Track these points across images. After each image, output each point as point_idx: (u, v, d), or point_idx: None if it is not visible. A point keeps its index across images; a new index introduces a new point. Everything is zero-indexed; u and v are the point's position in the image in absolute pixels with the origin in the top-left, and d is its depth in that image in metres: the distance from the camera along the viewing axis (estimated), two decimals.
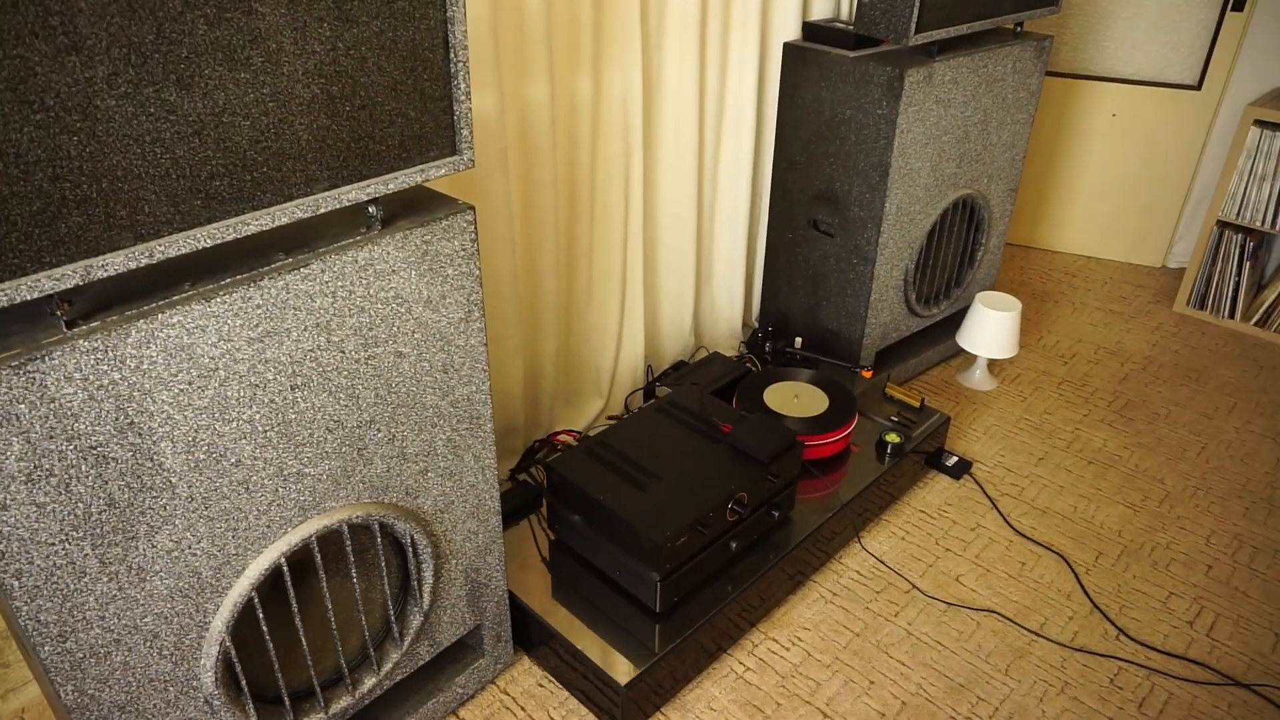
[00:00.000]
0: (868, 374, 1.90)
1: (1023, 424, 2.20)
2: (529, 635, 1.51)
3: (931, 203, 2.06)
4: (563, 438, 1.85)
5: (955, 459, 2.03)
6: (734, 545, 1.50)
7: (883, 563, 1.77)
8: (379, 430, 1.11)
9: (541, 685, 1.51)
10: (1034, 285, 2.87)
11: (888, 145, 1.88)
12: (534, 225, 1.76)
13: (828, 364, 2.03)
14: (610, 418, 2.05)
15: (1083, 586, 1.73)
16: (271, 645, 1.10)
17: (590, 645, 1.41)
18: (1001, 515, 1.90)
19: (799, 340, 2.08)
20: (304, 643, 1.14)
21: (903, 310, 2.17)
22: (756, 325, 2.42)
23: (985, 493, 1.97)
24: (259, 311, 0.93)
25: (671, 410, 1.66)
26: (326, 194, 0.94)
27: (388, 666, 1.26)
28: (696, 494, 1.45)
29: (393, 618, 1.24)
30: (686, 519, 1.40)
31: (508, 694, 1.50)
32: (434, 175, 1.03)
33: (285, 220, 0.91)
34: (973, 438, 2.15)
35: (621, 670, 1.37)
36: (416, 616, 1.27)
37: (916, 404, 1.96)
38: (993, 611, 1.67)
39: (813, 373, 1.91)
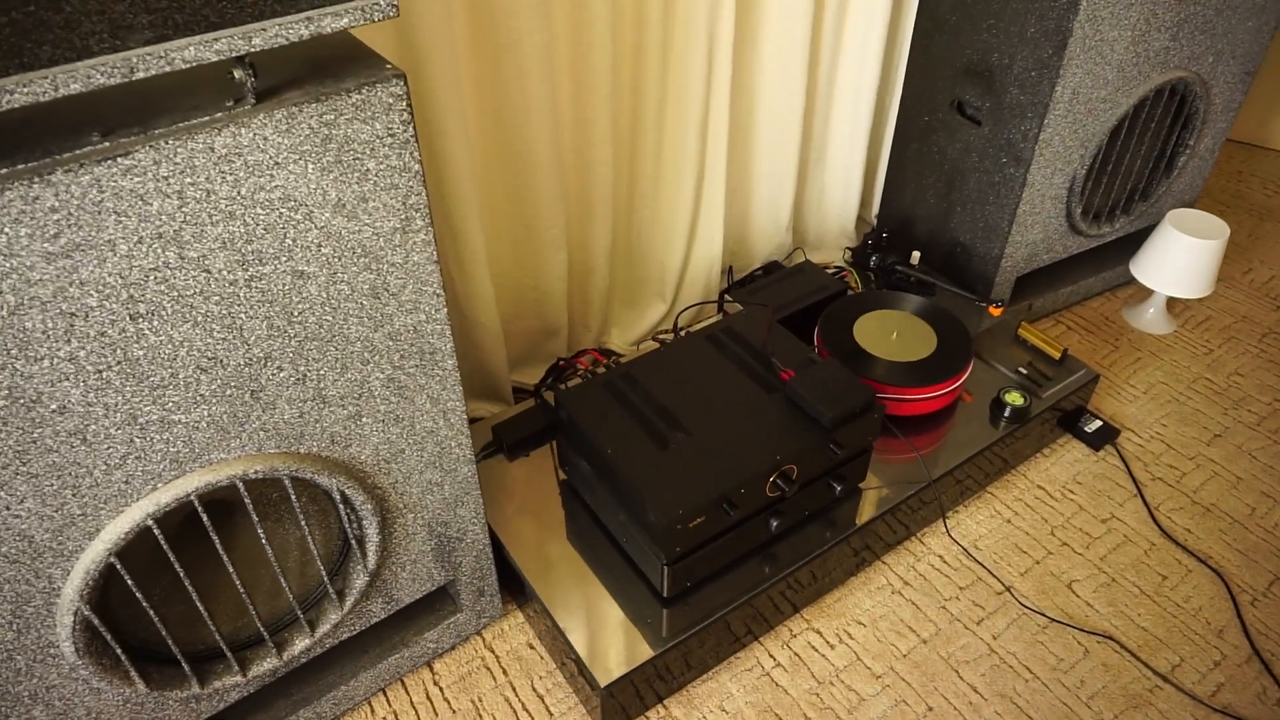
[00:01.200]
0: (996, 310, 1.48)
1: (1200, 386, 1.72)
2: (523, 590, 1.29)
3: (1124, 88, 1.53)
4: (587, 360, 1.55)
5: (1098, 423, 1.60)
6: (774, 524, 1.20)
7: (973, 552, 1.42)
8: (281, 369, 0.85)
9: (531, 647, 1.30)
10: (1252, 199, 2.25)
11: (1072, 5, 1.37)
12: (584, 85, 1.40)
13: (947, 291, 1.61)
14: (661, 337, 1.73)
15: (1242, 622, 1.33)
16: (154, 607, 0.90)
17: (577, 625, 1.17)
18: (1147, 507, 1.49)
19: (916, 255, 1.66)
20: (200, 601, 0.95)
21: (1061, 227, 1.68)
22: (875, 223, 1.99)
23: (1130, 473, 1.55)
24: (57, 217, 0.67)
25: (724, 340, 1.33)
26: (148, 49, 0.64)
27: (325, 628, 1.07)
28: (730, 460, 1.14)
29: (326, 579, 1.03)
30: (709, 494, 1.10)
31: (492, 651, 1.30)
32: (335, 25, 0.71)
33: (75, 88, 0.63)
34: (1127, 396, 1.70)
35: (607, 665, 1.13)
36: (361, 576, 1.06)
37: (1057, 354, 1.53)
38: (1110, 639, 1.31)
39: (924, 302, 1.51)
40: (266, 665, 1.04)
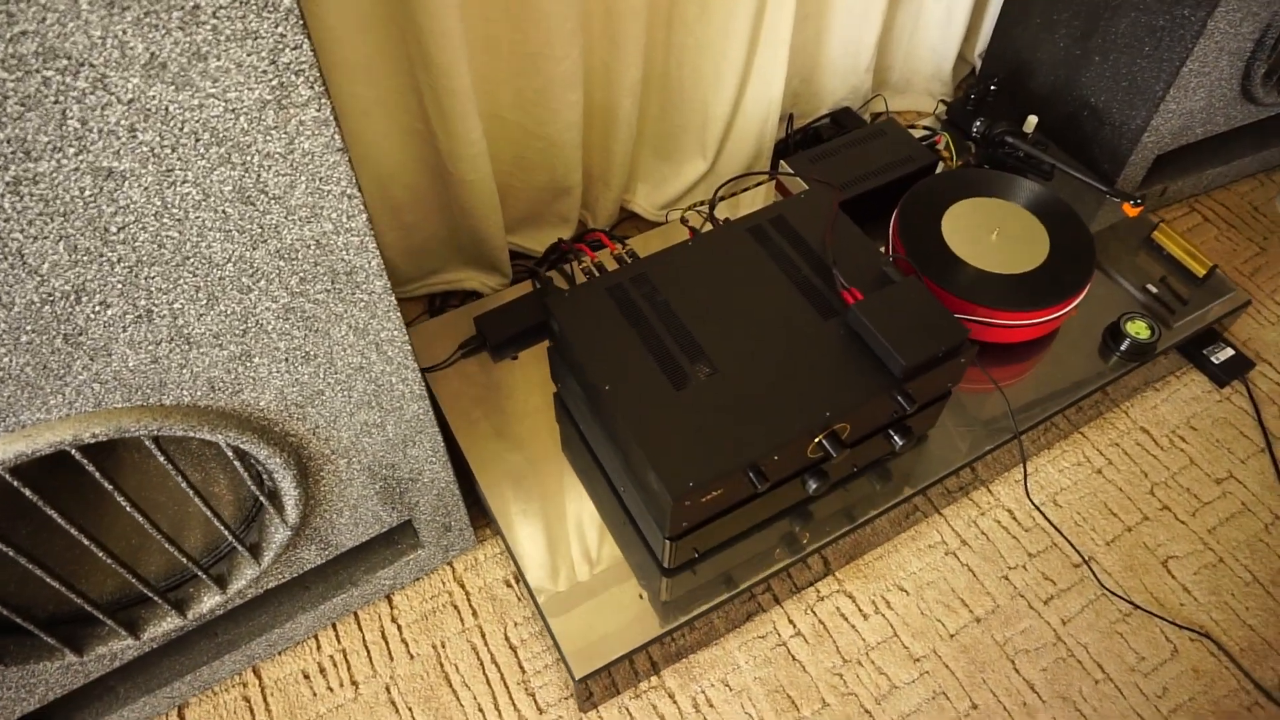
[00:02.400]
0: (1133, 210, 1.13)
1: None
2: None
3: None
4: (593, 250, 1.23)
5: (1229, 352, 1.28)
6: (813, 487, 0.94)
7: (1050, 510, 1.16)
8: (107, 305, 0.57)
9: (509, 585, 1.10)
10: None
11: None
12: None
13: (1071, 175, 1.24)
14: (695, 212, 1.40)
15: None
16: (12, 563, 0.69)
17: (554, 588, 0.95)
18: (1276, 467, 1.21)
19: (1032, 121, 1.28)
20: (71, 556, 0.74)
21: (1231, 93, 1.28)
22: (978, 66, 1.58)
23: (1260, 421, 1.25)
24: None
25: (772, 235, 1.01)
26: None
27: (240, 583, 0.86)
28: (765, 412, 0.87)
29: (233, 537, 0.81)
30: (732, 461, 0.84)
31: (462, 586, 1.10)
32: None
33: None
34: (1270, 316, 1.36)
35: (588, 644, 0.92)
36: (280, 530, 0.83)
37: (1201, 270, 1.19)
38: (1207, 636, 1.07)
39: (1039, 191, 1.16)
40: (166, 626, 0.84)
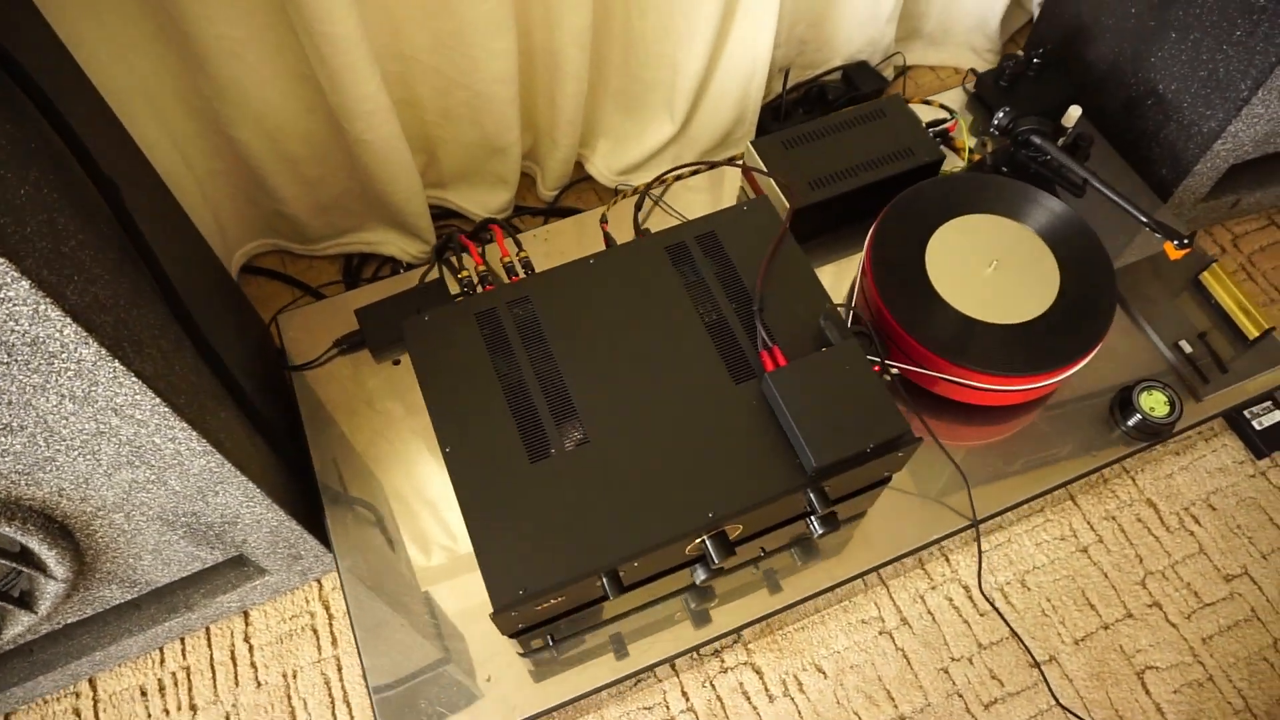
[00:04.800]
0: (1176, 252, 0.89)
1: None
2: None
3: None
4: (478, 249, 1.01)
5: (1276, 416, 1.06)
6: (700, 578, 0.78)
7: (1013, 592, 0.98)
8: None
9: None
10: None
11: None
12: None
13: (1110, 197, 0.99)
14: (672, 176, 1.18)
15: None
16: None
17: (384, 655, 0.82)
18: None
19: (1074, 113, 1.02)
20: None
21: None
22: (1036, 16, 1.28)
23: None
24: None
25: (696, 259, 0.81)
26: None
27: (16, 630, 0.75)
28: (636, 503, 0.70)
29: None
30: (579, 568, 0.68)
31: (326, 608, 0.99)
32: None
33: None
34: None
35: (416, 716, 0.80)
36: (51, 583, 0.71)
37: (1254, 331, 0.95)
38: None
39: (1057, 211, 0.92)
40: None
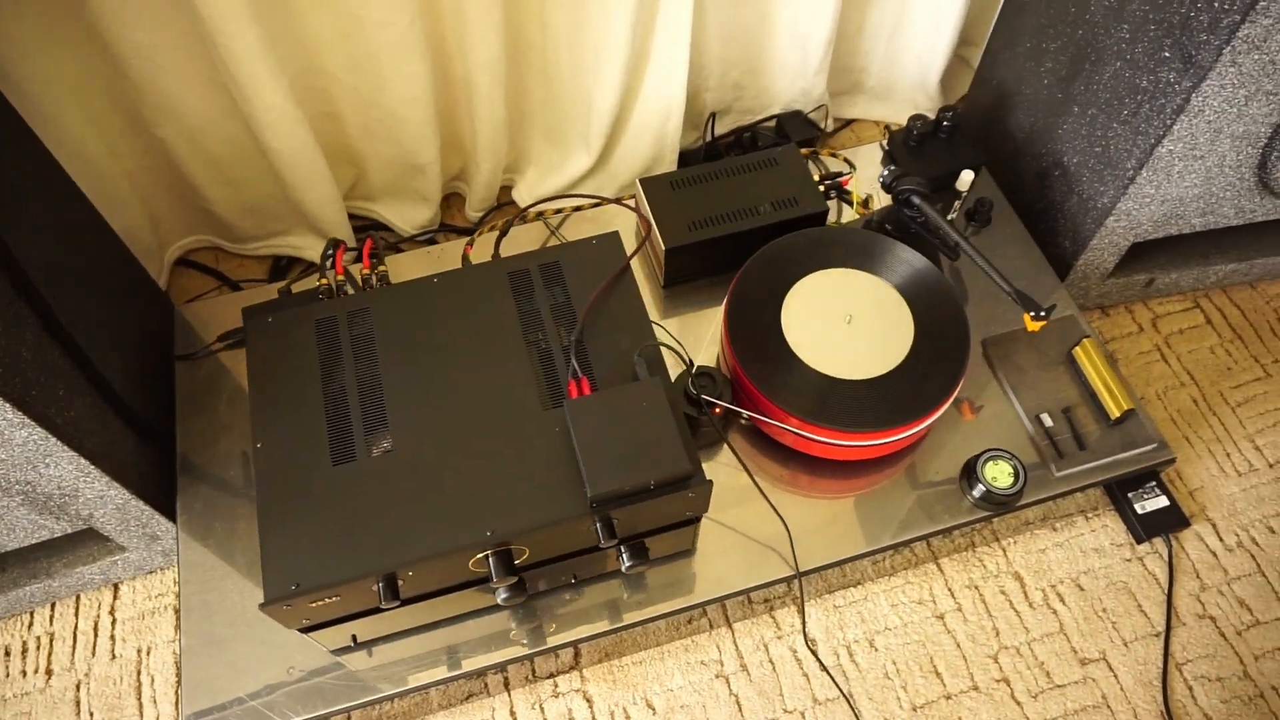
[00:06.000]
0: (1033, 324, 0.88)
1: None
2: None
3: None
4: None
5: (1163, 501, 1.03)
6: (502, 596, 0.79)
7: (859, 650, 0.97)
8: None
9: None
10: None
11: None
12: None
13: (977, 262, 0.98)
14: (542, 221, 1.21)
15: None
16: None
17: (204, 639, 0.86)
18: (1165, 659, 0.97)
19: (967, 178, 1.02)
20: None
21: (1243, 183, 0.98)
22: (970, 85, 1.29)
23: (1169, 598, 1.00)
24: None
25: (534, 287, 0.84)
26: None
27: None
28: (424, 513, 0.73)
29: None
30: (354, 568, 0.70)
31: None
32: None
33: None
34: (1243, 463, 1.09)
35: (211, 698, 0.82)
36: None
37: (1115, 411, 0.93)
38: None
39: (918, 268, 0.93)
40: None
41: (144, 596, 1.02)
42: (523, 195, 1.25)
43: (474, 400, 0.78)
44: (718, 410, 0.89)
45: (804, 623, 0.98)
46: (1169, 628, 0.99)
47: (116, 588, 1.03)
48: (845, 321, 0.91)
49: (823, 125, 1.32)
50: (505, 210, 1.28)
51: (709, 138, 1.28)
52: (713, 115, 1.25)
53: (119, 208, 1.07)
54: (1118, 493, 1.04)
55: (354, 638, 0.81)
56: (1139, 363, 1.17)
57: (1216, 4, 0.79)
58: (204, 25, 0.90)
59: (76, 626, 1.01)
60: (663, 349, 0.81)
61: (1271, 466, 1.09)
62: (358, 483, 0.74)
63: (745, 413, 0.91)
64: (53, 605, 1.02)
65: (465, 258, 0.99)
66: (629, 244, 0.93)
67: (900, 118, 1.36)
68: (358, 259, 1.05)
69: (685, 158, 1.27)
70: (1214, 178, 0.96)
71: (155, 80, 0.98)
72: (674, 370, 0.91)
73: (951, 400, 0.89)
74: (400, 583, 0.72)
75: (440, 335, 0.81)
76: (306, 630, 0.76)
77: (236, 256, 1.25)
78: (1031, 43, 1.08)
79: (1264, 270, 1.17)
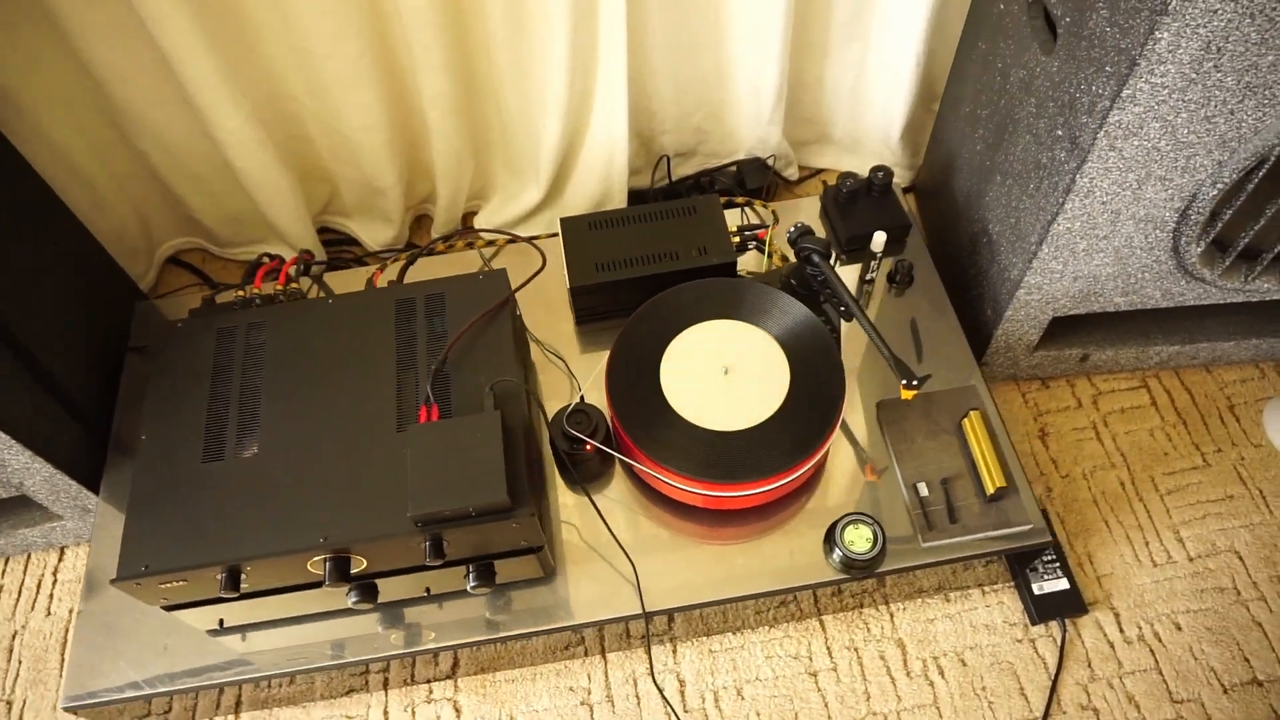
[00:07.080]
0: (906, 392, 0.88)
1: None
2: None
3: None
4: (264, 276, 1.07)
5: (1063, 584, 1.01)
6: (352, 600, 0.85)
7: (726, 695, 0.98)
8: None
9: None
10: None
11: None
12: None
13: (862, 326, 0.98)
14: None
15: None
16: None
17: (97, 624, 0.94)
18: None
19: (880, 240, 1.02)
20: None
21: (1163, 267, 0.96)
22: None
23: (1054, 684, 0.98)
24: None
25: (417, 315, 0.89)
26: None
27: None
28: (271, 514, 0.79)
29: None
30: (200, 558, 0.77)
31: None
32: None
33: None
34: (1163, 552, 1.04)
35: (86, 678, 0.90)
36: None
37: (991, 487, 0.92)
38: None
39: (802, 320, 0.94)
40: None
41: (84, 562, 1.12)
42: (484, 221, 1.32)
43: (338, 416, 0.84)
44: (589, 448, 0.92)
45: (650, 664, 1.00)
46: (1047, 715, 0.96)
47: (62, 551, 1.13)
48: (722, 372, 0.93)
49: (785, 174, 1.34)
50: (466, 234, 1.35)
51: (670, 179, 1.32)
52: (665, 158, 1.29)
53: (104, 210, 1.18)
54: (1020, 570, 1.02)
55: (220, 621, 0.88)
56: (1071, 439, 1.14)
57: (1094, 87, 0.78)
58: (165, 51, 0.99)
59: (23, 583, 1.12)
60: (553, 384, 0.85)
61: (1191, 560, 1.05)
62: (220, 481, 0.81)
63: (616, 454, 0.94)
64: (6, 560, 1.13)
65: (369, 282, 1.05)
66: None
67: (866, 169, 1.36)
68: (307, 271, 1.13)
69: (645, 197, 1.31)
70: (1126, 259, 0.94)
71: (130, 100, 1.09)
72: (561, 405, 0.95)
73: (818, 458, 0.90)
74: (244, 576, 0.79)
75: (323, 353, 0.88)
76: (169, 609, 0.83)
77: (221, 259, 1.36)
78: (969, 108, 1.08)
79: (1211, 354, 1.12)
